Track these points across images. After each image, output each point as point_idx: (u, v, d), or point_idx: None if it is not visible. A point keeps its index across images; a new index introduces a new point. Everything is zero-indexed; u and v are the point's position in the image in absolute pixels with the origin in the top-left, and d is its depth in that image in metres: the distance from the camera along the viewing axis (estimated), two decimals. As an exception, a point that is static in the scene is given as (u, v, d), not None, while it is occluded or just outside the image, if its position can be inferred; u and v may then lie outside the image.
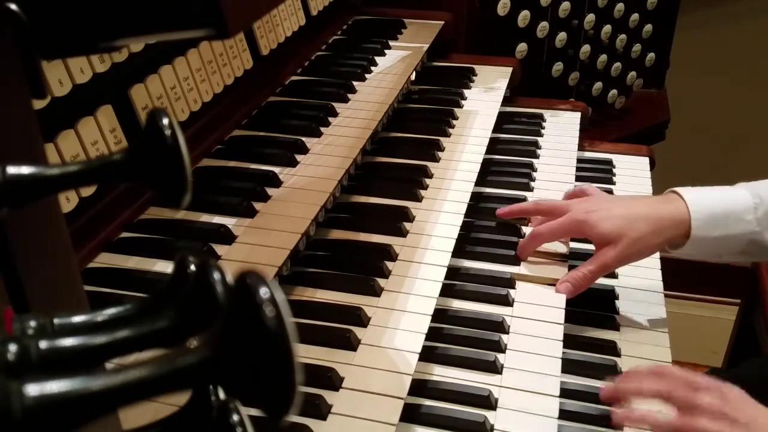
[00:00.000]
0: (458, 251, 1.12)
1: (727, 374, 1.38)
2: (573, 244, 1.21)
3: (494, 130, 1.42)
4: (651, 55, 2.11)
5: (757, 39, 2.44)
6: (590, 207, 1.12)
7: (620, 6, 1.94)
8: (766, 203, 1.05)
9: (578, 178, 1.42)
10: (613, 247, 1.07)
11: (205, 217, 0.99)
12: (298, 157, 1.14)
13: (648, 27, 2.05)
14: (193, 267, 0.33)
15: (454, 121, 1.41)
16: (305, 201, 1.03)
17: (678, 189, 1.09)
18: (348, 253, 1.06)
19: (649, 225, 1.06)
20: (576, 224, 1.11)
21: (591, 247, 1.18)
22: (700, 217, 1.05)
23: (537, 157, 1.47)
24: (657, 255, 1.23)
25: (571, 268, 1.15)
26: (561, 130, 1.57)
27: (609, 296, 1.17)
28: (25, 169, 0.34)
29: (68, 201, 0.86)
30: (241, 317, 0.27)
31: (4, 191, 0.33)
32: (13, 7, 0.38)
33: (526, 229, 1.24)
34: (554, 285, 1.11)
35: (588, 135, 1.70)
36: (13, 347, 0.30)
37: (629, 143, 1.69)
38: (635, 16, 1.99)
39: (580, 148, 1.56)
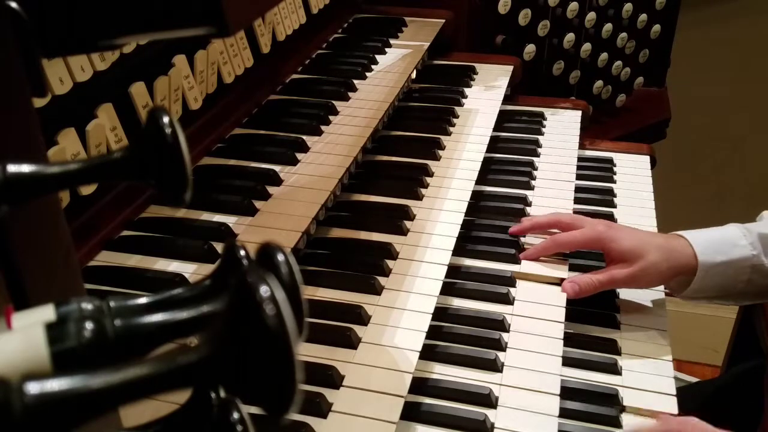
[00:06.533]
0: (459, 249, 1.12)
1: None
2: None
3: (495, 129, 1.42)
4: (652, 54, 2.11)
5: (758, 38, 2.43)
6: (611, 224, 1.17)
7: (621, 4, 1.93)
8: (753, 232, 1.12)
9: (579, 177, 1.42)
10: (627, 265, 1.09)
11: (206, 216, 0.99)
12: (299, 156, 1.14)
13: (649, 25, 2.04)
14: (242, 252, 0.34)
15: (455, 120, 1.41)
16: (306, 199, 1.03)
17: (676, 232, 1.14)
18: (348, 252, 1.06)
19: (663, 253, 1.10)
20: (598, 236, 1.13)
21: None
22: (700, 243, 1.11)
23: (538, 155, 1.47)
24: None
25: (570, 267, 1.15)
26: (562, 129, 1.57)
27: (609, 295, 1.17)
28: (26, 168, 0.34)
29: (69, 199, 0.86)
30: (241, 316, 0.27)
31: (4, 189, 0.33)
32: (14, 5, 0.38)
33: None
34: (555, 284, 1.11)
35: (589, 133, 1.70)
36: (89, 325, 0.30)
37: (630, 141, 1.69)
38: (636, 15, 1.99)
39: (581, 146, 1.56)
